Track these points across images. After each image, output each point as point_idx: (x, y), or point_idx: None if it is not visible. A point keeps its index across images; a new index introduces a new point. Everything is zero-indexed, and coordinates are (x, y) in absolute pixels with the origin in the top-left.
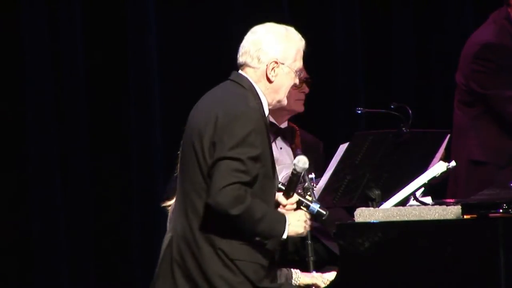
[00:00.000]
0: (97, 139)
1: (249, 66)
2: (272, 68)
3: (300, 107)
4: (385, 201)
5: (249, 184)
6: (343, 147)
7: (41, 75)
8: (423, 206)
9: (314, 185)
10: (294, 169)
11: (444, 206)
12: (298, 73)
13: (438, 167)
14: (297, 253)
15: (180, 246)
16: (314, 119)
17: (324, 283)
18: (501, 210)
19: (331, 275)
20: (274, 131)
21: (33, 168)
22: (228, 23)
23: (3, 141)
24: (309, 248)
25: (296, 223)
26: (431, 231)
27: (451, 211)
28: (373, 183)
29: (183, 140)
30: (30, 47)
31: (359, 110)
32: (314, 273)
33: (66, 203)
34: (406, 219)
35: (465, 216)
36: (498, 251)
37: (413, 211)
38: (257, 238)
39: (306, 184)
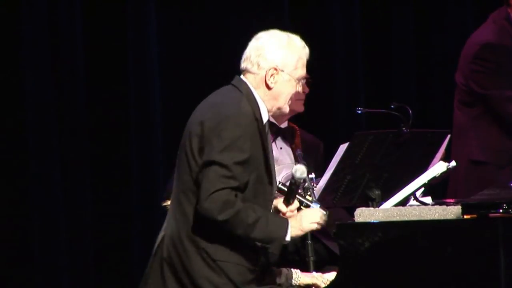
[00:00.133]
0: (97, 139)
1: (250, 72)
2: (271, 75)
3: (300, 107)
4: (385, 201)
5: (239, 189)
6: (343, 147)
7: (41, 75)
8: (423, 206)
9: (314, 185)
10: (293, 178)
11: (444, 206)
12: (300, 81)
13: (438, 167)
14: (297, 253)
15: (168, 246)
16: (314, 119)
17: (324, 283)
18: (501, 210)
19: (331, 275)
20: (274, 131)
21: (33, 168)
22: (228, 24)
23: (3, 141)
24: (309, 248)
25: (309, 225)
26: (431, 231)
27: (451, 211)
28: (373, 183)
29: (181, 141)
30: (30, 47)
31: (359, 110)
32: (314, 273)
33: (66, 203)
34: (406, 219)
35: (465, 216)
36: (498, 251)
37: (413, 211)
38: (259, 244)
39: (306, 184)
